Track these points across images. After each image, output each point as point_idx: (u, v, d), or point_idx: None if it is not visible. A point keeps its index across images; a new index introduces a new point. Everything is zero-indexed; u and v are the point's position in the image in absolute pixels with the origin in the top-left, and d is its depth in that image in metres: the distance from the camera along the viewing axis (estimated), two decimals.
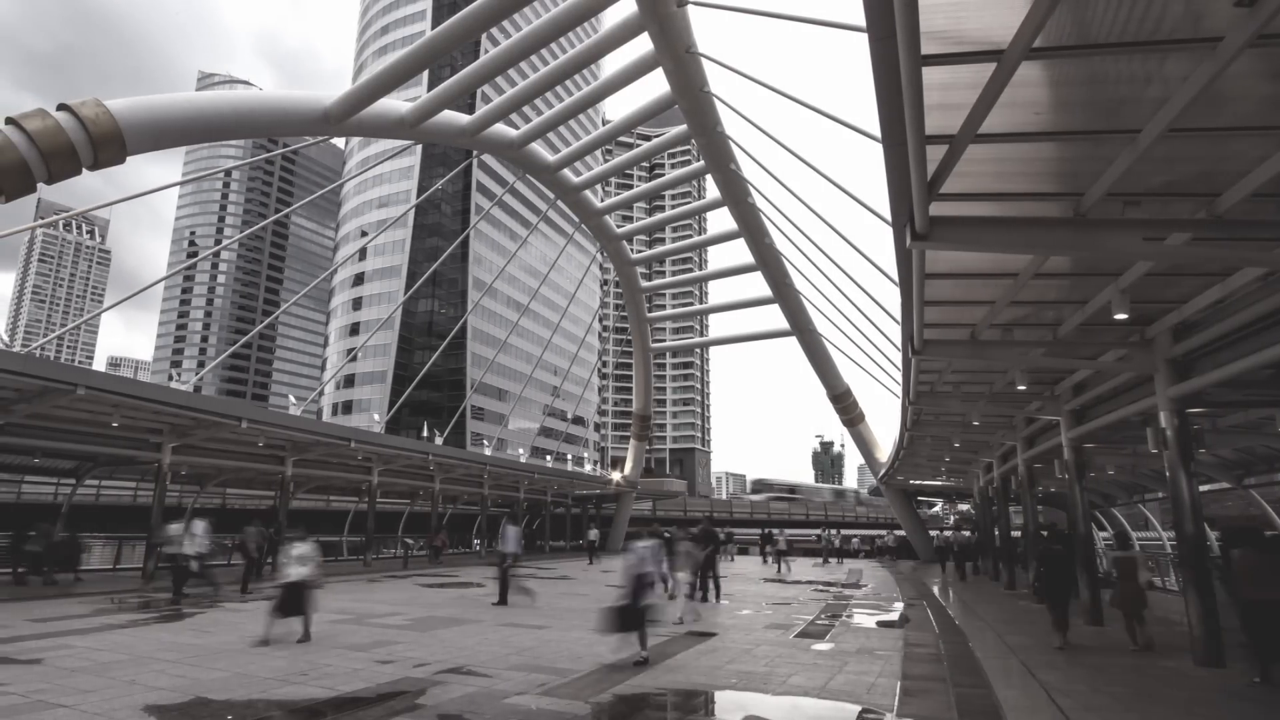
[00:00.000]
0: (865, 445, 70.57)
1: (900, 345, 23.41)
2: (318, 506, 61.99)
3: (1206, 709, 13.24)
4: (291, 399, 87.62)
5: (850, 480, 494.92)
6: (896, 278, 15.45)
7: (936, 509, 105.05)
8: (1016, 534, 44.17)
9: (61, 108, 27.52)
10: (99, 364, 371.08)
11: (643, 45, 38.97)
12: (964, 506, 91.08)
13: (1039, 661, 17.03)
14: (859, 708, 12.75)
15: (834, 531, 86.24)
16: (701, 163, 48.49)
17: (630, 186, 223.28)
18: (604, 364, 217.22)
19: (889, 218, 12.38)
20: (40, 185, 27.15)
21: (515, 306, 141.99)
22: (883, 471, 64.99)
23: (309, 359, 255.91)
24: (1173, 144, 9.81)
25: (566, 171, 52.33)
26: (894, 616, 27.11)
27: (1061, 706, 12.72)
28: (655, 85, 40.94)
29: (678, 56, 38.17)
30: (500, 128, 44.45)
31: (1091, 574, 25.66)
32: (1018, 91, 8.53)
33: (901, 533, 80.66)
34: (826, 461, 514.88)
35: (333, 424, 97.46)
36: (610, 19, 39.71)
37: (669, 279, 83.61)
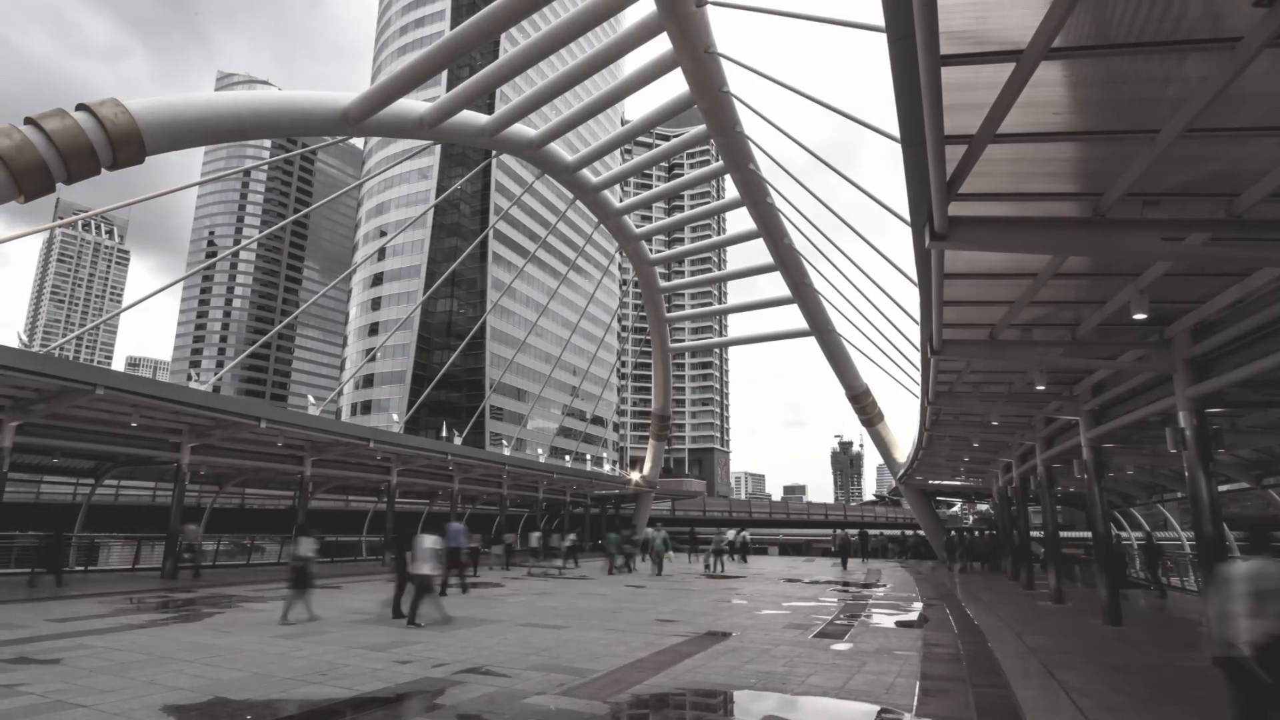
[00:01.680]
0: (884, 445, 70.49)
1: (919, 345, 23.40)
2: (336, 506, 62.09)
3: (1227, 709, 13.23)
4: (310, 399, 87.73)
5: (869, 480, 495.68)
6: (915, 278, 15.45)
7: (955, 509, 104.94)
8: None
9: (80, 107, 27.67)
10: (118, 364, 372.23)
11: (662, 45, 39.04)
12: (983, 506, 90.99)
13: (1058, 661, 17.01)
14: (878, 708, 12.74)
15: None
16: (720, 163, 48.52)
17: (649, 186, 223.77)
18: (623, 364, 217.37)
19: (908, 218, 12.39)
20: (59, 185, 27.29)
21: (534, 306, 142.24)
22: (901, 472, 64.86)
23: (328, 359, 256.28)
24: (1192, 144, 9.79)
25: (585, 171, 52.39)
26: (913, 616, 27.08)
27: (1081, 706, 12.71)
28: (674, 85, 40.91)
29: (697, 56, 38.20)
30: (519, 128, 44.52)
31: (1112, 575, 25.60)
32: (1036, 91, 8.53)
33: (916, 531, 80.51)
34: (845, 462, 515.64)
35: (352, 424, 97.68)
36: (629, 19, 39.74)
37: (688, 279, 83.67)
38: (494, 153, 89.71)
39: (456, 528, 33.42)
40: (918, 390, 33.95)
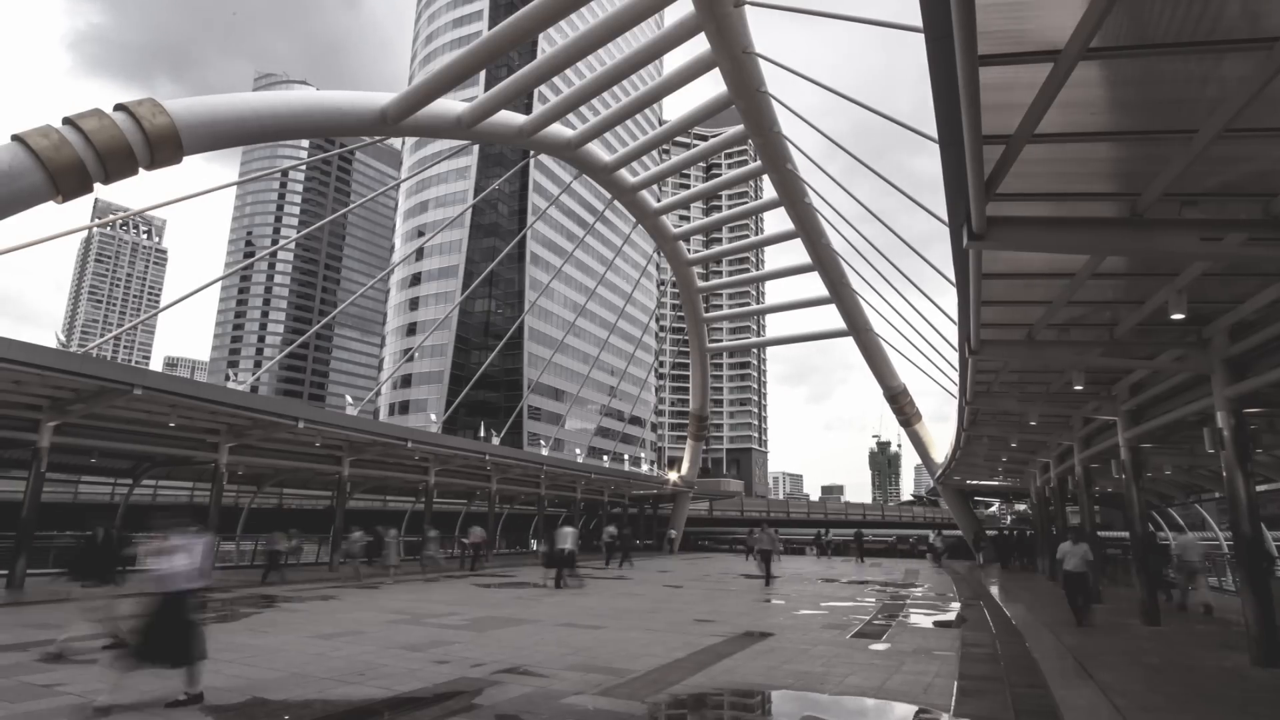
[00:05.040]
0: (921, 445, 70.32)
1: (957, 345, 23.37)
2: (374, 507, 62.21)
3: (1263, 709, 13.16)
4: (348, 399, 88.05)
5: (907, 480, 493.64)
6: (953, 278, 15.44)
7: (993, 509, 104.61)
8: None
9: (118, 108, 27.84)
10: (156, 364, 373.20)
11: (700, 45, 39.01)
12: (1021, 506, 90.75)
13: (1096, 661, 16.96)
14: (915, 707, 12.78)
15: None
16: (758, 163, 48.43)
17: (687, 186, 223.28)
18: (661, 364, 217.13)
19: (946, 218, 12.39)
20: (96, 185, 27.44)
21: (572, 306, 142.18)
22: (939, 471, 64.67)
23: (366, 359, 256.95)
24: (1229, 144, 9.76)
25: (623, 172, 52.40)
26: (950, 616, 27.07)
27: (1118, 706, 12.68)
28: (712, 85, 40.86)
29: (735, 56, 38.16)
30: (557, 128, 44.59)
31: (1148, 574, 25.52)
32: (1074, 91, 8.53)
33: (951, 533, 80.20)
34: (883, 461, 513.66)
35: (390, 424, 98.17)
36: (668, 19, 39.75)
37: (726, 279, 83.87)
38: (532, 153, 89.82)
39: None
40: (955, 390, 33.90)
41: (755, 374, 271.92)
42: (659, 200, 61.00)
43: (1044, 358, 20.23)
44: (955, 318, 19.67)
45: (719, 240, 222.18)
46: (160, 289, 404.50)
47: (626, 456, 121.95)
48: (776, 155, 45.94)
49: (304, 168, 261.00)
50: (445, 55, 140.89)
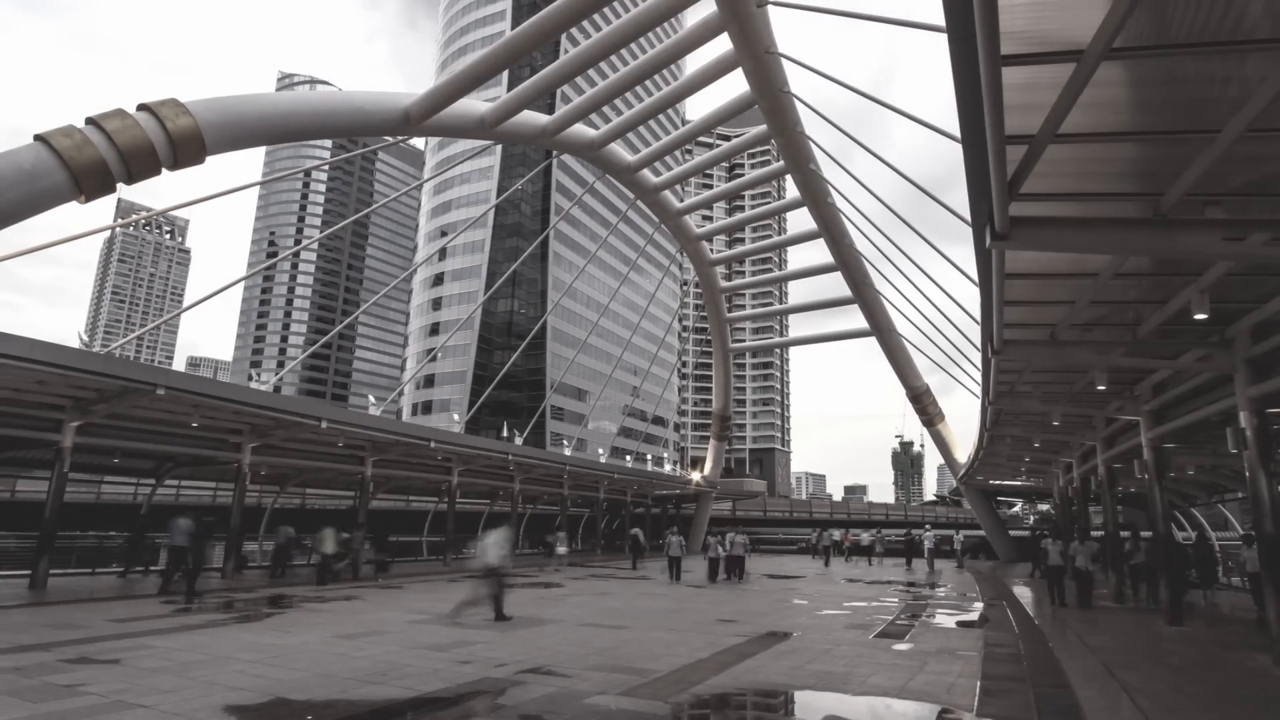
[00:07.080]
0: (944, 445, 70.11)
1: (980, 345, 23.34)
2: (397, 507, 62.26)
3: None
4: (371, 399, 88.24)
5: (929, 480, 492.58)
6: (976, 278, 15.43)
7: (1016, 509, 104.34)
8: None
9: (141, 108, 27.86)
10: (178, 364, 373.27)
11: (722, 45, 38.98)
12: (1044, 506, 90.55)
13: (1119, 662, 16.93)
14: (939, 707, 12.77)
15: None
16: (781, 163, 48.38)
17: (710, 186, 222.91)
18: (683, 364, 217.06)
19: (969, 218, 12.39)
20: (119, 185, 27.50)
21: (595, 307, 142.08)
22: (962, 471, 64.55)
23: (388, 359, 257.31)
24: (1252, 144, 9.74)
25: (646, 172, 52.37)
26: (973, 617, 26.99)
27: (1141, 707, 12.68)
28: (735, 85, 40.88)
29: (757, 57, 38.13)
30: (580, 128, 44.57)
31: (1172, 574, 25.47)
32: (1097, 91, 8.54)
33: (974, 533, 79.96)
34: (906, 462, 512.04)
35: (412, 424, 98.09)
36: (690, 19, 39.72)
37: (748, 279, 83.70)
38: (554, 153, 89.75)
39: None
40: (978, 390, 33.85)
41: (778, 374, 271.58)
42: (681, 200, 61.02)
43: (1067, 358, 20.19)
44: (979, 317, 19.66)
45: (742, 240, 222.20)
46: (183, 289, 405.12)
47: (649, 456, 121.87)
48: (799, 155, 45.87)
49: (327, 168, 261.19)
50: (468, 55, 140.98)
